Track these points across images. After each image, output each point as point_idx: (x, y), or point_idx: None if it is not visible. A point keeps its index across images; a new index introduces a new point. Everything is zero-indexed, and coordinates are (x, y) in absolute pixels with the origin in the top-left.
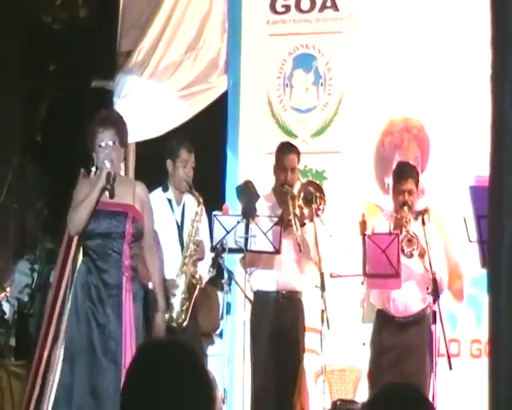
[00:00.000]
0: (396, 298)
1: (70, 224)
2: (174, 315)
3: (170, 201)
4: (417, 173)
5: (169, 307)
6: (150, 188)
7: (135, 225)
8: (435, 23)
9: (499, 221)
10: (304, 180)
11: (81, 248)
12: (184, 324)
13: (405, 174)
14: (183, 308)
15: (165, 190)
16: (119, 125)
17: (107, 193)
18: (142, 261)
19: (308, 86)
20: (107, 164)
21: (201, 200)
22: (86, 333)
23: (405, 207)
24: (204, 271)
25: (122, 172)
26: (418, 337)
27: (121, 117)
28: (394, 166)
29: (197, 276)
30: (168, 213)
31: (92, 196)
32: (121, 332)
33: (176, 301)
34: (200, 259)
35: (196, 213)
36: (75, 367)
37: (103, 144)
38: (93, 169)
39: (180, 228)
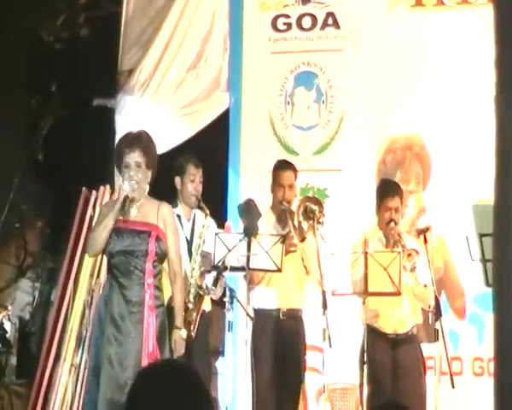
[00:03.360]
0: (390, 315)
1: (88, 245)
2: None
3: (179, 217)
4: (402, 191)
5: None
6: None
7: (158, 244)
8: (437, 41)
9: (505, 239)
10: (302, 196)
11: (84, 266)
12: (192, 335)
13: (392, 191)
14: (191, 319)
15: (175, 206)
16: (146, 147)
17: (131, 212)
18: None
19: (310, 104)
20: (126, 186)
21: (208, 212)
22: (106, 349)
23: (392, 223)
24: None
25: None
26: (412, 355)
27: (150, 139)
28: (379, 184)
29: (204, 287)
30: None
31: (108, 219)
32: (140, 349)
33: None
34: (208, 271)
35: (203, 225)
36: (99, 381)
37: (128, 165)
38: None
39: (190, 243)
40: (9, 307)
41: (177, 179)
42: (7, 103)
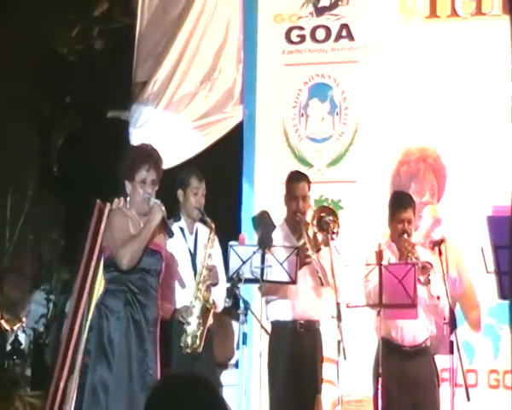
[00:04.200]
0: (404, 327)
1: (124, 259)
2: (189, 341)
3: (182, 229)
4: (414, 203)
5: (183, 333)
6: (168, 217)
7: (165, 264)
8: (451, 53)
9: None
10: (316, 207)
11: (99, 278)
12: (199, 350)
13: (405, 203)
14: (198, 333)
15: (178, 219)
16: (160, 165)
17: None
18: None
19: (324, 116)
20: (161, 206)
21: (213, 226)
22: (127, 369)
23: (405, 235)
24: (218, 297)
25: None
26: (426, 367)
27: (159, 153)
28: (391, 196)
29: (211, 301)
30: (181, 242)
31: (146, 233)
32: (157, 368)
33: (190, 328)
34: (214, 284)
35: (209, 238)
36: (110, 403)
37: (147, 182)
38: (115, 201)
39: (193, 256)
40: (24, 319)
41: (180, 192)
42: (21, 115)
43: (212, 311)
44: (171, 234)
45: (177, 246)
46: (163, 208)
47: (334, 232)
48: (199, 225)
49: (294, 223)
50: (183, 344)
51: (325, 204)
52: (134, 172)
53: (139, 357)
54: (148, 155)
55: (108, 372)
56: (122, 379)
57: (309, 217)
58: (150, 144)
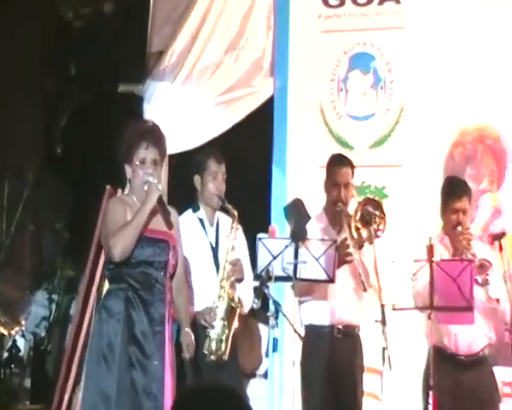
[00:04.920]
0: (458, 333)
1: (114, 249)
2: (213, 346)
3: (201, 221)
4: (470, 191)
5: (206, 338)
6: (184, 207)
7: (175, 255)
8: None
9: None
10: (361, 198)
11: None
12: (225, 357)
13: (459, 191)
14: (223, 337)
15: (196, 209)
16: (162, 142)
17: (157, 219)
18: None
19: (366, 90)
20: (158, 185)
21: (236, 213)
22: (129, 376)
23: (459, 228)
24: (244, 297)
25: None
26: (484, 379)
27: (161, 130)
28: (444, 183)
29: (236, 299)
30: (201, 235)
31: (140, 218)
32: (163, 372)
33: (214, 332)
34: (239, 280)
35: (232, 227)
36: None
37: (147, 162)
38: (127, 186)
39: (215, 250)
40: (23, 323)
41: (197, 178)
42: (20, 90)
43: (238, 311)
44: (166, 215)
45: (196, 239)
46: (160, 187)
47: (379, 229)
48: (220, 215)
49: (334, 214)
50: (206, 351)
51: (370, 195)
52: (132, 153)
53: (143, 364)
54: (146, 131)
55: (109, 382)
56: (124, 389)
57: (351, 208)
58: (150, 120)
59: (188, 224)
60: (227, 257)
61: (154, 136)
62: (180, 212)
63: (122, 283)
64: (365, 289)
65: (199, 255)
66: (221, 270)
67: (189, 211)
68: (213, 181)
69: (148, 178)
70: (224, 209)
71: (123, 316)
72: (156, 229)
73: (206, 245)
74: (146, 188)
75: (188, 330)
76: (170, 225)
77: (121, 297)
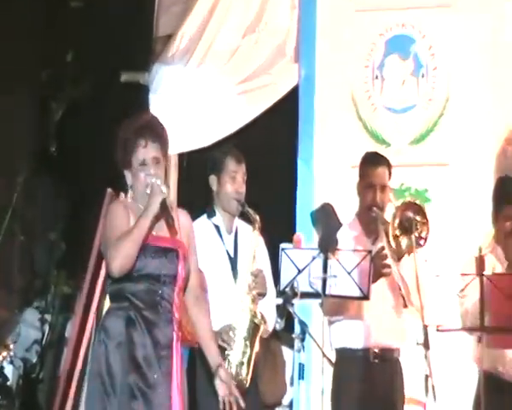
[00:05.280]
0: None
1: (113, 261)
2: (233, 371)
3: (218, 228)
4: None
5: (225, 361)
6: (197, 213)
7: (186, 266)
8: None
9: None
10: (399, 202)
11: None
12: (246, 383)
13: None
14: (244, 360)
15: (212, 215)
16: (163, 137)
17: (163, 225)
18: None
19: (405, 78)
20: (162, 187)
21: (257, 218)
22: (129, 404)
23: None
24: (266, 312)
25: None
26: None
27: (161, 122)
28: (495, 184)
29: (258, 315)
30: (217, 244)
31: (142, 227)
32: (170, 403)
33: (234, 354)
34: (262, 295)
35: (253, 235)
36: None
37: (147, 162)
38: (129, 190)
39: (233, 260)
40: (11, 346)
41: (213, 179)
42: (9, 79)
43: (261, 328)
44: (170, 222)
45: (212, 249)
46: (163, 189)
47: (421, 238)
48: (239, 222)
49: (369, 220)
50: None
51: (409, 199)
52: (129, 156)
53: (146, 393)
54: (142, 127)
55: None
56: None
57: (388, 214)
58: (147, 113)
59: (202, 231)
60: (248, 268)
61: (151, 130)
62: (193, 218)
63: (123, 301)
64: (406, 306)
65: (215, 267)
66: (241, 282)
67: (204, 217)
68: (232, 182)
69: (150, 180)
70: (243, 215)
71: (124, 339)
72: (163, 236)
73: (223, 255)
74: (148, 191)
75: (223, 372)
76: (174, 233)
77: (122, 317)
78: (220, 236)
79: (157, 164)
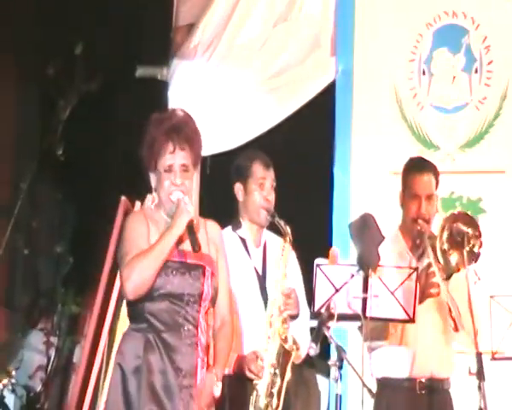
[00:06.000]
0: None
1: (127, 283)
2: (262, 403)
3: (244, 241)
4: None
5: (252, 392)
6: (223, 224)
7: (214, 283)
8: None
9: None
10: (448, 213)
11: (122, 312)
12: None
13: None
14: (274, 391)
15: (237, 226)
16: (195, 142)
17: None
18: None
19: (456, 74)
20: (188, 205)
21: (289, 230)
22: None
23: None
24: (299, 336)
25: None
26: None
27: (195, 124)
28: None
29: (290, 339)
30: (243, 259)
31: (164, 247)
32: None
33: (263, 383)
34: (294, 316)
35: (283, 249)
36: None
37: (174, 169)
38: (149, 197)
39: (262, 278)
40: (13, 373)
41: (238, 187)
42: (12, 74)
43: (293, 355)
44: (195, 248)
45: (237, 265)
46: (190, 209)
47: (474, 253)
48: (268, 234)
49: (414, 234)
50: (253, 409)
51: (460, 210)
52: (155, 158)
53: None
54: (174, 127)
55: None
56: None
57: (435, 227)
58: (179, 110)
59: (227, 245)
60: (279, 287)
61: (183, 133)
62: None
63: (141, 322)
64: (457, 329)
65: (241, 285)
66: (271, 303)
67: (229, 229)
68: (259, 191)
69: (176, 195)
70: (272, 227)
71: (142, 365)
72: (187, 250)
73: (250, 272)
74: (174, 209)
75: (211, 375)
76: (197, 248)
77: (140, 340)
78: (247, 250)
79: (185, 172)
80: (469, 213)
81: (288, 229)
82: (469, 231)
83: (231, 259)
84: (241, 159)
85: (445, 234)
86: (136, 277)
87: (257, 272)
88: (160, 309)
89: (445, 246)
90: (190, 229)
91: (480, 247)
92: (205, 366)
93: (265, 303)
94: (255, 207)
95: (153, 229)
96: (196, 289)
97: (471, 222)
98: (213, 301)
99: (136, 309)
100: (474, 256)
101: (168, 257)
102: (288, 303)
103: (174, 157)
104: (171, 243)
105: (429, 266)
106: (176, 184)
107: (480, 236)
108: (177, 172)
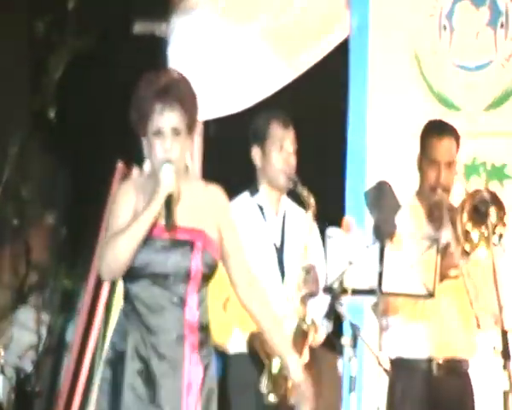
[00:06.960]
0: None
1: (102, 262)
2: (274, 384)
3: (261, 209)
4: None
5: (265, 372)
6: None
7: (205, 259)
8: None
9: None
10: (470, 184)
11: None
12: (290, 398)
13: None
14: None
15: (255, 192)
16: (188, 103)
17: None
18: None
19: (480, 29)
20: (169, 176)
21: (312, 201)
22: None
23: None
24: (317, 316)
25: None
26: None
27: (190, 84)
28: None
29: (308, 320)
30: (261, 229)
31: (141, 222)
32: None
33: (276, 366)
34: (313, 294)
35: (306, 221)
36: None
37: (163, 131)
38: (147, 164)
39: (280, 250)
40: (2, 353)
41: (256, 151)
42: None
43: (310, 336)
44: (168, 227)
45: (254, 234)
46: (170, 180)
47: (495, 233)
48: (288, 203)
49: (431, 203)
50: (265, 390)
51: (483, 181)
52: (145, 121)
53: None
54: (164, 87)
55: None
56: None
57: (455, 198)
58: (170, 70)
59: (242, 212)
60: (298, 261)
61: (173, 92)
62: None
63: (128, 303)
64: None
65: (257, 256)
66: (289, 278)
67: (246, 194)
68: (279, 153)
69: (162, 161)
70: (294, 193)
71: (130, 352)
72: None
73: (267, 242)
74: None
75: (292, 356)
76: (171, 231)
77: (125, 321)
78: (264, 219)
79: (176, 136)
80: (491, 190)
81: (311, 198)
82: (493, 210)
83: (246, 227)
84: (258, 120)
85: (467, 210)
86: (110, 257)
87: (275, 245)
88: (144, 290)
89: (467, 223)
90: (167, 204)
91: (505, 226)
92: (198, 345)
93: (283, 277)
94: (275, 170)
95: (142, 201)
96: (184, 267)
97: (495, 200)
98: (207, 278)
99: (125, 289)
100: (496, 239)
101: (155, 233)
102: (308, 280)
103: (163, 118)
104: (150, 220)
105: (448, 245)
106: (166, 149)
107: (504, 215)
108: (167, 136)
